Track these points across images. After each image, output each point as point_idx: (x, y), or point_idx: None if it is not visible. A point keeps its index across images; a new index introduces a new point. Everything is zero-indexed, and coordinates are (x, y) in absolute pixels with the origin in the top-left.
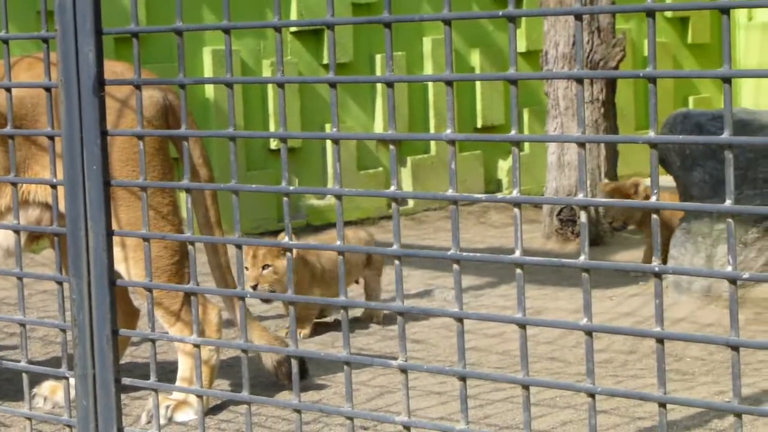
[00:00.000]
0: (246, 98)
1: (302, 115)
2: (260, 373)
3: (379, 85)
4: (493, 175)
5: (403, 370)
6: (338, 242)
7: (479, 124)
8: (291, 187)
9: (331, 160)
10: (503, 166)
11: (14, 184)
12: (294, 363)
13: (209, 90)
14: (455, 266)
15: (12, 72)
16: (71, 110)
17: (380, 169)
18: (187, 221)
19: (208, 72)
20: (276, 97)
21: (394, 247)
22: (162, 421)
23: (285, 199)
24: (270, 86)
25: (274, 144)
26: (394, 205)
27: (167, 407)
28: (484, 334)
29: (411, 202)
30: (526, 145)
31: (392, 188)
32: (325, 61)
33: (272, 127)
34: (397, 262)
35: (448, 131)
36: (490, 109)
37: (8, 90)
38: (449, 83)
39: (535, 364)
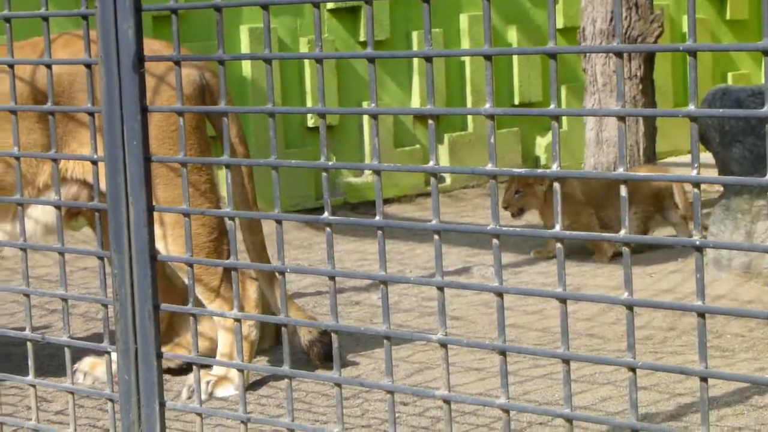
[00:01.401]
0: (283, 76)
1: (339, 93)
2: (297, 352)
3: (416, 62)
4: (531, 152)
5: (443, 345)
6: (377, 218)
7: (517, 101)
8: (330, 163)
9: (369, 137)
10: (541, 143)
11: (54, 161)
12: (335, 338)
13: (246, 68)
14: (494, 241)
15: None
16: (111, 87)
17: (417, 146)
18: (227, 198)
19: (245, 50)
20: (313, 75)
21: (433, 222)
22: (203, 397)
23: (324, 174)
24: (307, 64)
25: (311, 122)
26: (432, 180)
27: (207, 383)
28: (524, 311)
29: (448, 180)
30: (564, 122)
31: (431, 163)
32: (362, 38)
33: (310, 105)
34: (436, 237)
35: (487, 105)
36: (528, 85)
37: (48, 67)
38: (488, 57)
39: (574, 341)
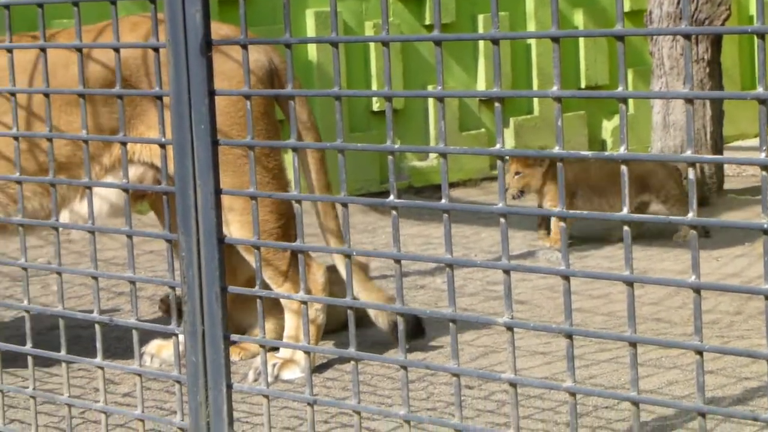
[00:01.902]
0: (349, 60)
1: (405, 77)
2: (365, 334)
3: (481, 46)
4: (597, 136)
5: (509, 328)
6: (443, 201)
7: (583, 84)
8: (395, 146)
9: (434, 121)
10: (607, 126)
11: (123, 144)
12: (400, 320)
13: (312, 52)
14: (561, 224)
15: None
16: (179, 71)
17: (482, 130)
18: (294, 182)
19: (311, 33)
20: (379, 59)
21: (500, 205)
22: (269, 379)
23: (390, 157)
24: (373, 48)
25: (376, 106)
26: (499, 163)
27: (274, 365)
28: (590, 296)
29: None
30: (631, 105)
31: (497, 146)
32: (428, 22)
33: (375, 88)
34: (502, 220)
35: (555, 88)
36: (594, 69)
37: (116, 51)
38: (555, 40)
39: (640, 325)
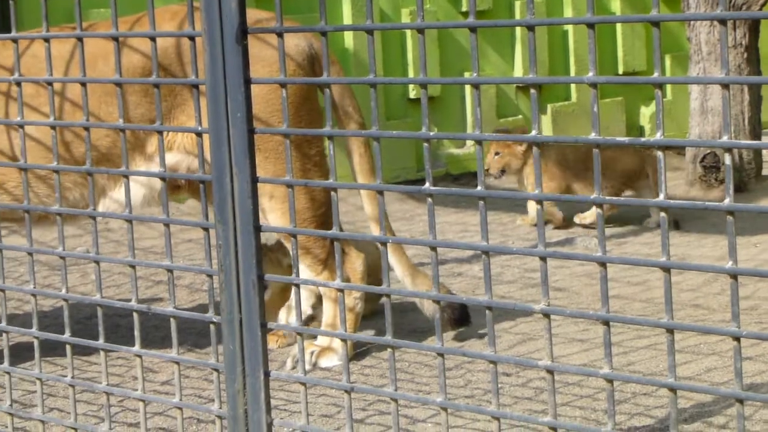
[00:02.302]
0: (385, 48)
1: (441, 64)
2: (403, 322)
3: (518, 32)
4: (635, 122)
5: (546, 315)
6: (479, 188)
7: (620, 70)
8: (431, 133)
9: (470, 108)
10: (645, 112)
11: (160, 133)
12: (436, 307)
13: (348, 40)
14: (597, 210)
15: (156, 22)
16: (215, 59)
17: (520, 117)
18: (330, 168)
19: (347, 21)
20: (415, 46)
21: (536, 191)
22: (306, 367)
23: (425, 144)
24: (409, 35)
25: (413, 93)
26: (535, 149)
27: (312, 353)
28: (628, 282)
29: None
30: (668, 91)
31: (533, 133)
32: (464, 8)
33: (411, 76)
34: (538, 207)
35: (591, 74)
36: (632, 54)
37: (153, 40)
38: (591, 26)
39: (678, 312)
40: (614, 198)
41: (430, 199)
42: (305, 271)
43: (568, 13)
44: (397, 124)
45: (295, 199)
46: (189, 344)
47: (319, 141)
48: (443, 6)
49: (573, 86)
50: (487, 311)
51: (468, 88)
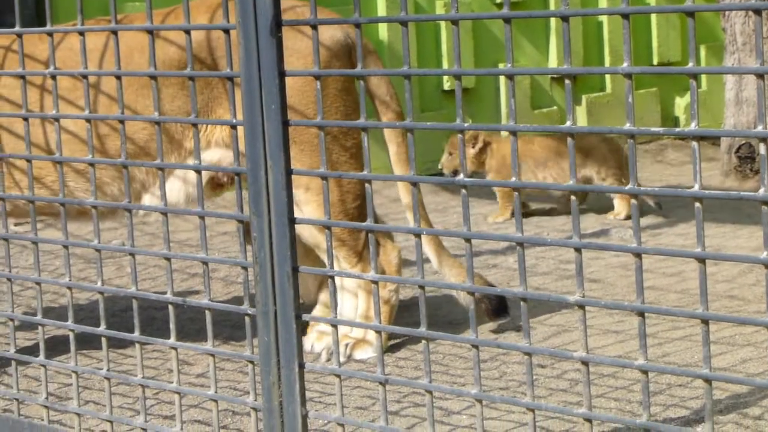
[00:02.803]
0: (419, 40)
1: (475, 55)
2: (438, 314)
3: (553, 23)
4: (670, 113)
5: (581, 306)
6: (514, 179)
7: (655, 61)
8: (465, 124)
9: (505, 100)
10: (680, 103)
11: (195, 126)
12: (470, 299)
13: (383, 32)
14: (633, 201)
15: (191, 15)
16: (249, 52)
17: (554, 108)
18: (364, 160)
19: (381, 13)
20: (449, 37)
21: (570, 182)
22: (341, 359)
23: (460, 136)
24: (443, 27)
25: (447, 85)
26: (570, 141)
27: (346, 345)
28: (663, 273)
29: None
30: (703, 81)
31: (568, 123)
32: (498, 0)
33: (446, 67)
34: (573, 198)
35: (625, 65)
36: (666, 45)
37: (187, 32)
38: (625, 16)
39: (713, 303)
40: (649, 189)
41: (464, 191)
42: (340, 262)
43: (603, 3)
44: (432, 116)
45: (332, 190)
46: (224, 336)
47: (357, 133)
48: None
49: (608, 77)
50: (521, 303)
51: (502, 80)
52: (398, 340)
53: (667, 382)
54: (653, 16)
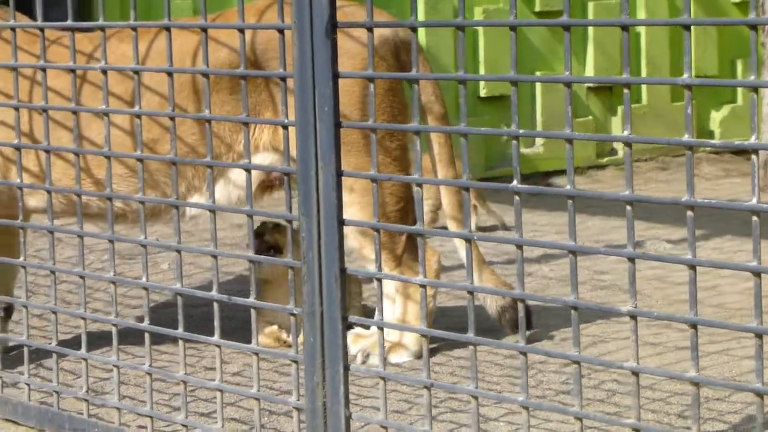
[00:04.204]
0: (457, 45)
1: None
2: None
3: (591, 32)
4: (705, 127)
5: (632, 317)
6: (568, 187)
7: (692, 74)
8: (521, 130)
9: (541, 108)
10: (715, 117)
11: (246, 125)
12: (521, 306)
13: (421, 35)
14: (689, 213)
15: (237, 18)
16: (303, 52)
17: (589, 117)
18: (416, 163)
19: (420, 17)
20: (487, 44)
21: (626, 192)
22: (377, 361)
23: (514, 142)
24: (481, 33)
25: (483, 92)
26: (627, 149)
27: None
28: (699, 287)
29: (621, 153)
30: (739, 96)
31: (625, 133)
32: (537, 8)
33: (482, 73)
34: (628, 208)
35: (685, 76)
36: (704, 59)
37: (241, 31)
38: (687, 27)
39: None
40: (706, 201)
41: (517, 197)
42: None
43: (642, 14)
44: (469, 122)
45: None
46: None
47: (401, 135)
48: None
49: (644, 88)
50: (572, 311)
51: (539, 87)
52: (434, 346)
53: (705, 395)
54: (692, 29)
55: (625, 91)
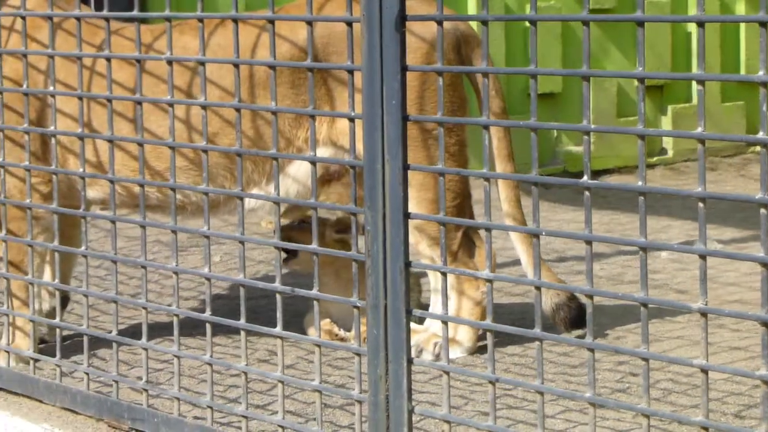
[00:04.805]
0: (508, 40)
1: (564, 61)
2: (525, 317)
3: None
4: (755, 126)
5: (703, 314)
6: (639, 183)
7: (742, 73)
8: (592, 126)
9: (592, 105)
10: None
11: (312, 117)
12: (588, 303)
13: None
14: (763, 211)
15: (298, 13)
16: (372, 46)
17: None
18: (484, 158)
19: (471, 12)
20: (538, 40)
21: (699, 189)
22: (429, 357)
23: (585, 137)
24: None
25: None
26: (700, 147)
27: (435, 344)
28: (750, 288)
29: (671, 152)
30: None
31: (699, 129)
32: (590, 6)
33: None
34: (701, 205)
35: (761, 73)
36: (755, 57)
37: (309, 24)
38: (763, 24)
39: None
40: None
41: (587, 193)
42: (435, 263)
43: (692, 9)
44: (517, 119)
45: (431, 188)
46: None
47: (460, 130)
48: (567, 2)
49: (694, 88)
50: (642, 308)
51: (592, 83)
52: (484, 343)
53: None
54: (742, 28)
55: (699, 87)
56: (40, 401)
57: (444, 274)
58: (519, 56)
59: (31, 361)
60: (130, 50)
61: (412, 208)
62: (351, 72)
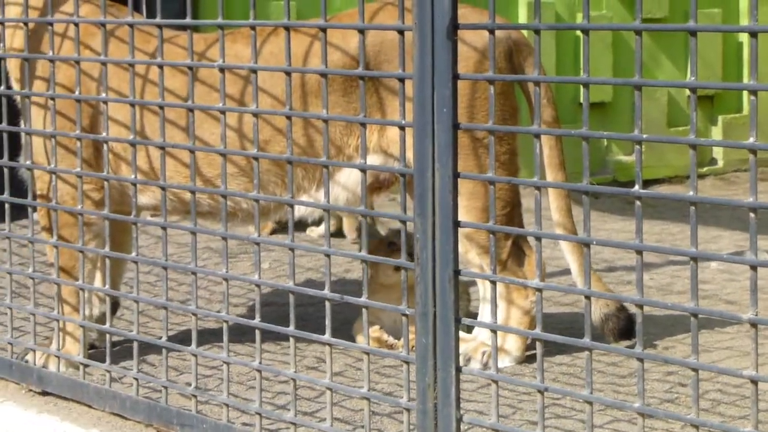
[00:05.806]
0: (558, 49)
1: (614, 70)
2: (574, 327)
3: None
4: None
5: (753, 324)
6: (691, 193)
7: None
8: (643, 135)
9: (641, 114)
10: None
11: (362, 125)
12: (638, 312)
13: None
14: None
15: (351, 21)
16: (424, 54)
17: (689, 127)
18: (535, 167)
19: (522, 20)
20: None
21: (750, 199)
22: (477, 366)
23: (636, 147)
24: (583, 38)
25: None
26: (751, 157)
27: (483, 353)
28: None
29: (721, 162)
30: None
31: (751, 140)
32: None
33: None
34: (752, 215)
35: None
36: None
37: (361, 32)
38: None
39: None
40: None
41: (638, 202)
42: (484, 272)
43: (744, 23)
44: (568, 128)
45: (481, 196)
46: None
47: (511, 138)
48: (619, 13)
49: (745, 98)
50: (692, 318)
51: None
52: (531, 352)
53: None
54: None
55: (752, 97)
56: (90, 406)
57: (493, 283)
58: (569, 65)
59: (81, 367)
60: (183, 58)
61: (462, 216)
62: (402, 80)
